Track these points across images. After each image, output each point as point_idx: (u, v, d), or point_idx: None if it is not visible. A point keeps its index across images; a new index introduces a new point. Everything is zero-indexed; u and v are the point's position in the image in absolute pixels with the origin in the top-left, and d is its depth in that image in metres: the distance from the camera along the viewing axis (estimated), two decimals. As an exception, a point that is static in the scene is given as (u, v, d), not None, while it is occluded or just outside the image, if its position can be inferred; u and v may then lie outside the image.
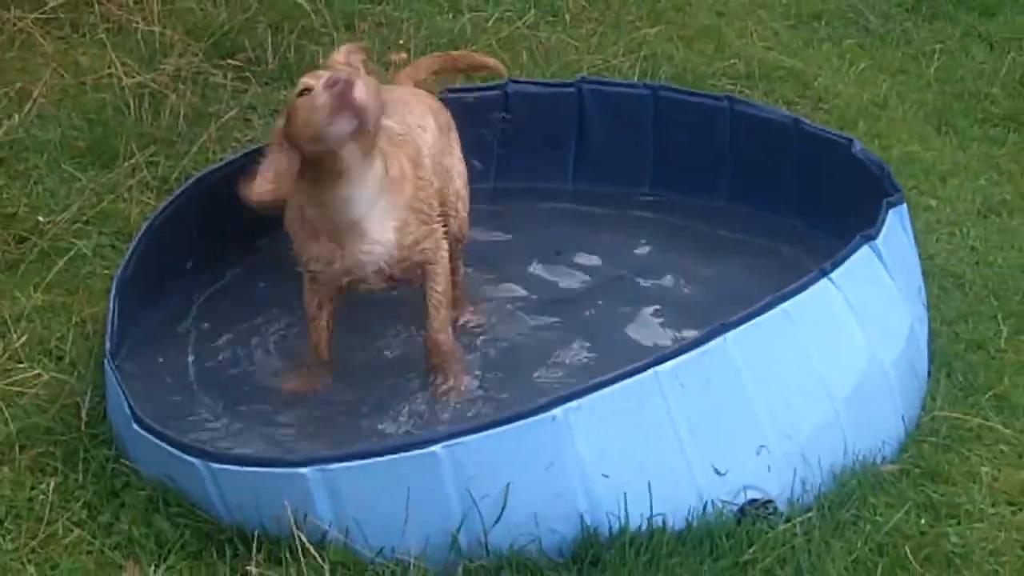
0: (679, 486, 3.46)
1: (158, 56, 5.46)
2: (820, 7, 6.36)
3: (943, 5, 6.37)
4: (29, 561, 3.46)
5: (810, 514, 3.55)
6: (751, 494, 3.53)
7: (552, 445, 3.37)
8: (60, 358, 4.09)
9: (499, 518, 3.36)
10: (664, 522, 3.43)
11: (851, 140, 4.47)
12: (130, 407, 3.60)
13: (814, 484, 3.63)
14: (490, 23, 5.95)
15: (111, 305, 3.87)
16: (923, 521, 3.65)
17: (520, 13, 6.01)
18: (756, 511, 3.52)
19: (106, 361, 3.75)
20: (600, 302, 4.42)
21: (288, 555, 3.36)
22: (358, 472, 3.36)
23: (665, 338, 4.18)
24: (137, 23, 5.57)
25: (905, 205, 4.16)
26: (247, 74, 5.49)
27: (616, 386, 3.42)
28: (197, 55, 5.50)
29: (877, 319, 3.87)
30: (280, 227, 3.99)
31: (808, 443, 3.63)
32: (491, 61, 4.83)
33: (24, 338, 4.11)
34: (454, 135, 4.39)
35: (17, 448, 3.76)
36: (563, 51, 5.75)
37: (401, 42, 5.75)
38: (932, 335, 4.20)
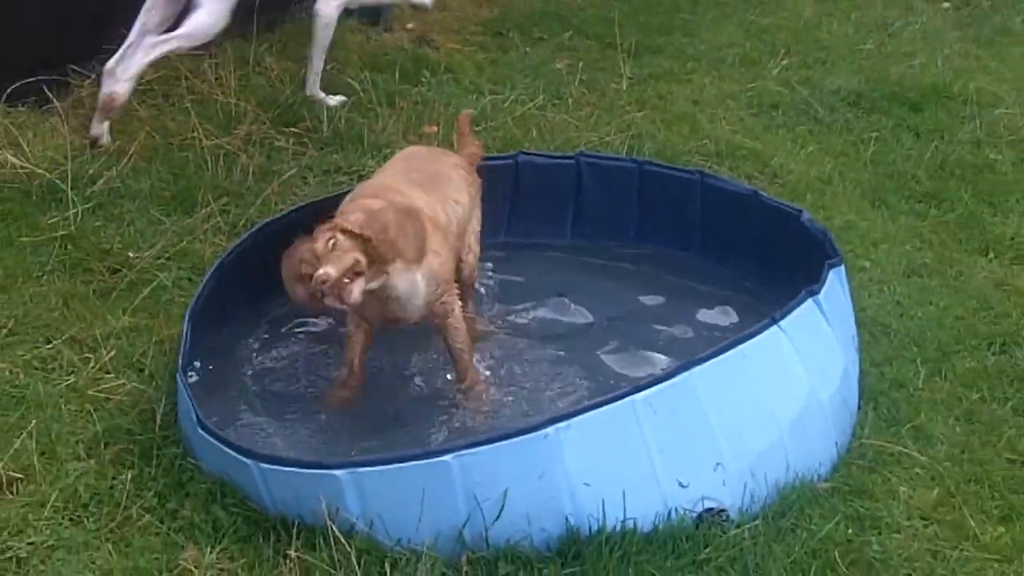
0: (648, 495, 3.43)
1: (233, 123, 5.45)
2: (778, 99, 6.35)
3: (879, 101, 6.37)
4: (107, 540, 3.45)
5: (757, 522, 3.52)
6: (708, 504, 3.50)
7: (544, 458, 3.35)
8: (141, 370, 4.06)
9: (498, 517, 3.34)
10: (635, 525, 3.41)
11: (800, 210, 4.42)
12: (196, 414, 3.58)
13: (760, 497, 3.59)
14: (506, 104, 5.94)
15: (185, 328, 3.85)
16: (850, 531, 3.61)
17: (531, 96, 6.01)
18: (712, 518, 3.49)
19: (178, 375, 3.73)
20: (593, 337, 4.37)
21: (322, 542, 3.35)
22: (382, 475, 3.34)
23: (642, 370, 4.11)
24: (217, 95, 5.58)
25: (843, 266, 4.11)
26: (305, 140, 5.48)
27: (599, 410, 3.40)
28: (265, 123, 5.49)
29: (817, 361, 3.83)
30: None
31: (757, 462, 3.60)
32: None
33: (112, 353, 4.09)
34: (478, 199, 4.34)
35: (102, 445, 3.75)
36: (565, 129, 5.74)
37: (434, 117, 5.75)
38: (862, 375, 4.15)
